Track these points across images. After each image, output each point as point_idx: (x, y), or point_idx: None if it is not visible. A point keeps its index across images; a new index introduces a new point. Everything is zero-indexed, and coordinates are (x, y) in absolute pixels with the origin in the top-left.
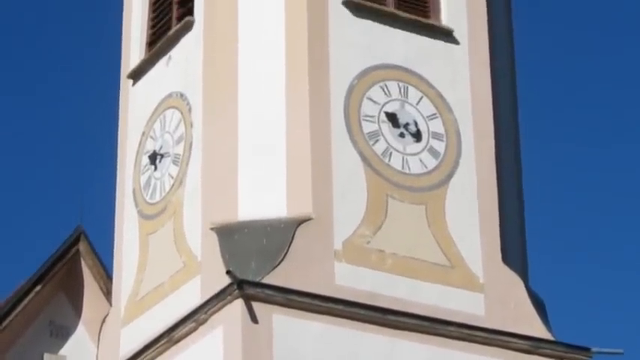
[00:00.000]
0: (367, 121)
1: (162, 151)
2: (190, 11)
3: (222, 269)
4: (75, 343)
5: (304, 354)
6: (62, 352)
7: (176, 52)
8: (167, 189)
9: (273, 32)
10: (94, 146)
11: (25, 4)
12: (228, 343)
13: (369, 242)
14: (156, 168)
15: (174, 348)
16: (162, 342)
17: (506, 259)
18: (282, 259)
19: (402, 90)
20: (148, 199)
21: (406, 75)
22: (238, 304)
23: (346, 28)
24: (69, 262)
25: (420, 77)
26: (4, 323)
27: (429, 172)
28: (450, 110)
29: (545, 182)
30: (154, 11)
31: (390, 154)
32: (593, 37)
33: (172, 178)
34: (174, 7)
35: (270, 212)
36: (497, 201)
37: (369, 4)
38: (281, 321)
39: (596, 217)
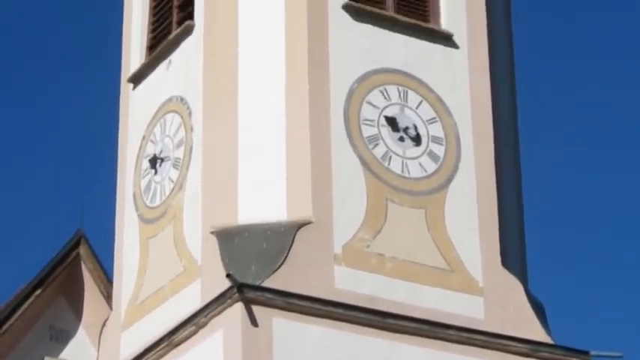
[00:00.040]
0: (367, 125)
1: (162, 155)
2: (190, 15)
3: (222, 273)
4: (75, 347)
5: (304, 357)
6: (62, 355)
7: (176, 56)
8: (167, 193)
9: (273, 37)
10: (95, 150)
11: (26, 9)
12: (228, 347)
13: (368, 246)
14: (156, 172)
15: (174, 351)
16: (163, 345)
17: (506, 262)
18: (282, 263)
19: (402, 94)
20: (148, 202)
21: (406, 79)
22: (238, 308)
23: (346, 32)
24: (69, 265)
25: (420, 81)
26: (4, 327)
27: (429, 176)
28: (450, 114)
29: (544, 186)
30: (154, 15)
31: (390, 158)
32: (592, 41)
33: (172, 182)
34: (175, 11)
35: (270, 216)
36: (496, 205)
37: (368, 8)
38: (281, 324)
39: (596, 221)
